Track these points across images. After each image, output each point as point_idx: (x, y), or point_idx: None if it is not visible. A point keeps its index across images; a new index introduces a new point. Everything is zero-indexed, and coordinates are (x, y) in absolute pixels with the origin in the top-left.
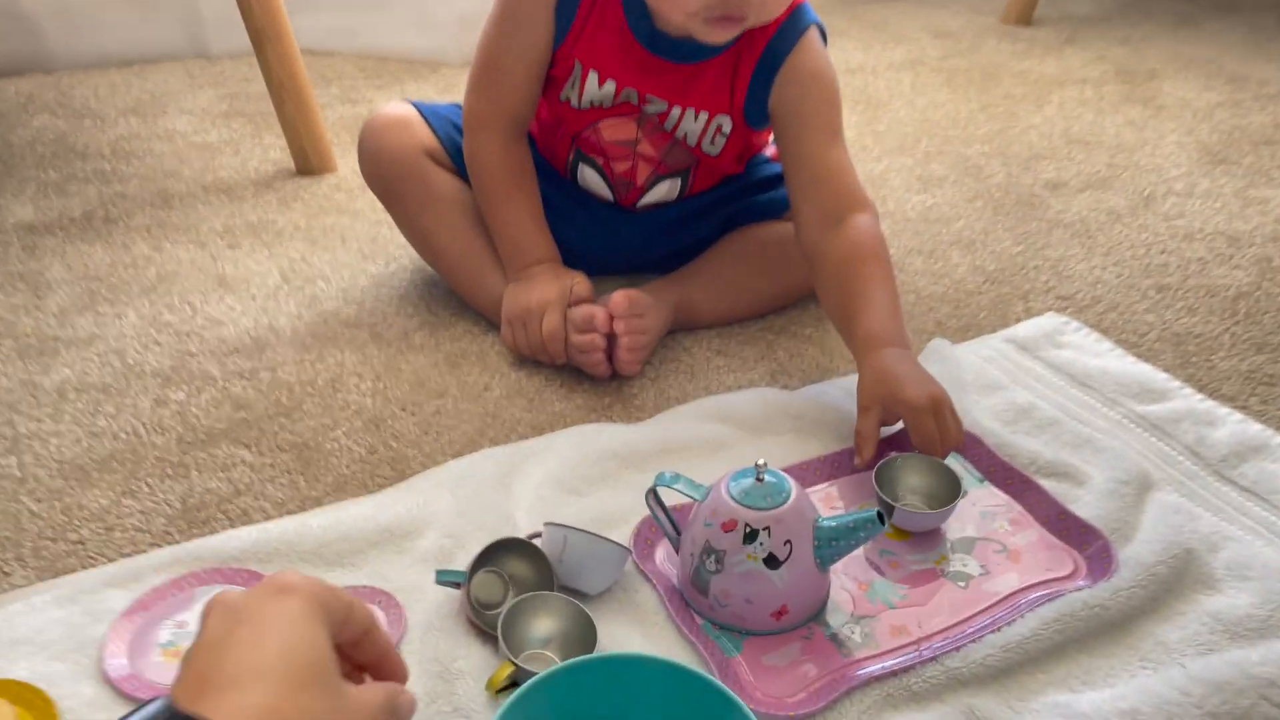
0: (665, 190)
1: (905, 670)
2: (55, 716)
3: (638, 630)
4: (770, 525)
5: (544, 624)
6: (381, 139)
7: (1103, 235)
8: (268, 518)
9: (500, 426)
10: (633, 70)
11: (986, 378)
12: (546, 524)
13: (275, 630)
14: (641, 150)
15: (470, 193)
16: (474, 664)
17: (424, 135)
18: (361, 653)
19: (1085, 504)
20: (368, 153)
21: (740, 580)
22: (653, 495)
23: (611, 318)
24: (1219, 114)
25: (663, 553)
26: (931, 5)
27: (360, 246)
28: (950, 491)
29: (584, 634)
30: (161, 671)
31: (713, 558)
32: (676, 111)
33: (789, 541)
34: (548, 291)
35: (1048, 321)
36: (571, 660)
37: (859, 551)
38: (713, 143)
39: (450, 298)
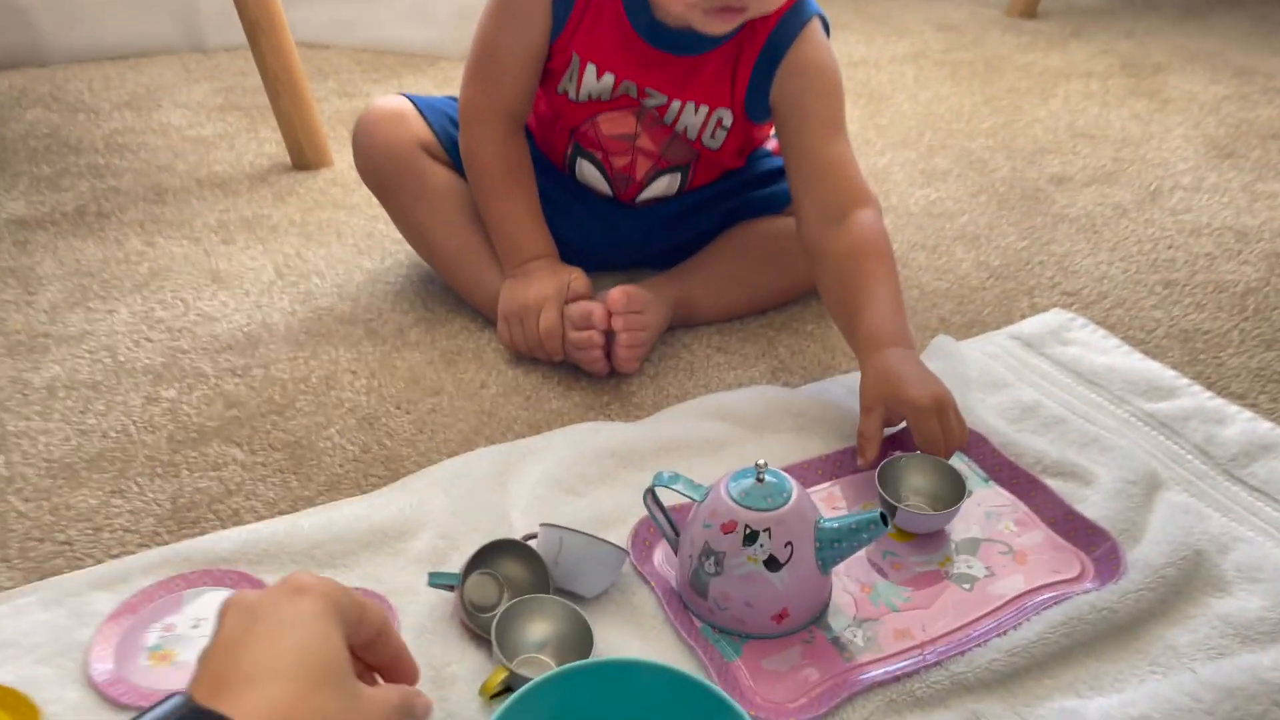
0: (665, 185)
1: (909, 675)
2: None
3: (635, 634)
4: (771, 527)
5: (539, 627)
6: (376, 133)
7: (1109, 230)
8: (259, 518)
9: (496, 425)
10: (631, 63)
11: (991, 375)
12: (542, 525)
13: (291, 630)
14: (641, 144)
15: (466, 187)
16: (467, 668)
17: (419, 129)
18: (374, 654)
19: (1092, 504)
20: (362, 147)
21: (740, 583)
22: (651, 495)
23: (610, 314)
24: (1226, 107)
25: (661, 554)
26: None
27: (356, 242)
28: (955, 492)
29: (580, 638)
30: (148, 676)
31: (712, 560)
32: (676, 105)
33: (790, 543)
34: (545, 287)
35: (1053, 318)
36: (567, 666)
37: (861, 553)
38: (713, 136)
39: (446, 294)
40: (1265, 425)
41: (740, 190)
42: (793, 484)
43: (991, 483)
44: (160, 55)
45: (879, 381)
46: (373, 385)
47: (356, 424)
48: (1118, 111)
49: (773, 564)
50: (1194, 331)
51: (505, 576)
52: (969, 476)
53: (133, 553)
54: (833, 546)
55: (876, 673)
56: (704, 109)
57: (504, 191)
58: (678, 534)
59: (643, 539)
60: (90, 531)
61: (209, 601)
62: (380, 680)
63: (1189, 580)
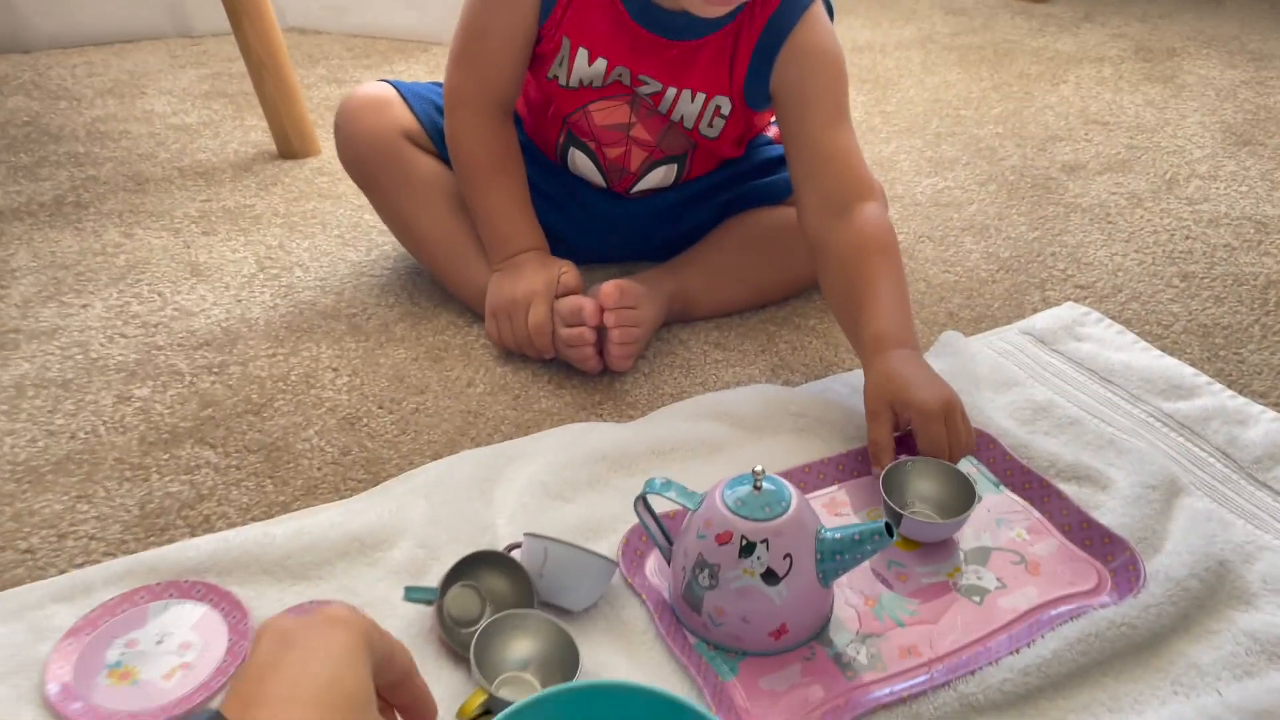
0: (661, 176)
1: (916, 696)
2: None
3: (624, 651)
4: (769, 537)
5: (522, 645)
6: (358, 121)
7: (1123, 220)
8: (231, 525)
9: (483, 425)
10: (624, 47)
11: (1002, 373)
12: (526, 534)
13: (322, 662)
14: (635, 135)
15: (453, 177)
16: (445, 690)
17: (403, 116)
18: (398, 695)
19: (1109, 511)
20: (344, 136)
21: (736, 597)
22: (642, 503)
23: (601, 309)
24: (1243, 93)
25: (653, 563)
26: None
27: (341, 233)
28: (963, 499)
29: (565, 656)
30: (108, 695)
31: (706, 572)
32: (672, 93)
33: (789, 555)
34: (534, 282)
35: (1066, 312)
36: (549, 689)
37: (865, 563)
38: (711, 125)
39: (434, 287)
40: None
41: (739, 180)
42: (792, 492)
43: (1002, 487)
44: (146, 41)
45: (884, 385)
46: (355, 383)
47: (336, 424)
48: (1131, 97)
49: (771, 577)
50: (1213, 326)
51: (487, 589)
52: (978, 481)
53: (97, 562)
54: (834, 559)
55: (881, 693)
56: (701, 97)
57: (491, 181)
58: (671, 543)
59: (634, 548)
60: (54, 539)
61: (175, 615)
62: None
63: (1212, 593)
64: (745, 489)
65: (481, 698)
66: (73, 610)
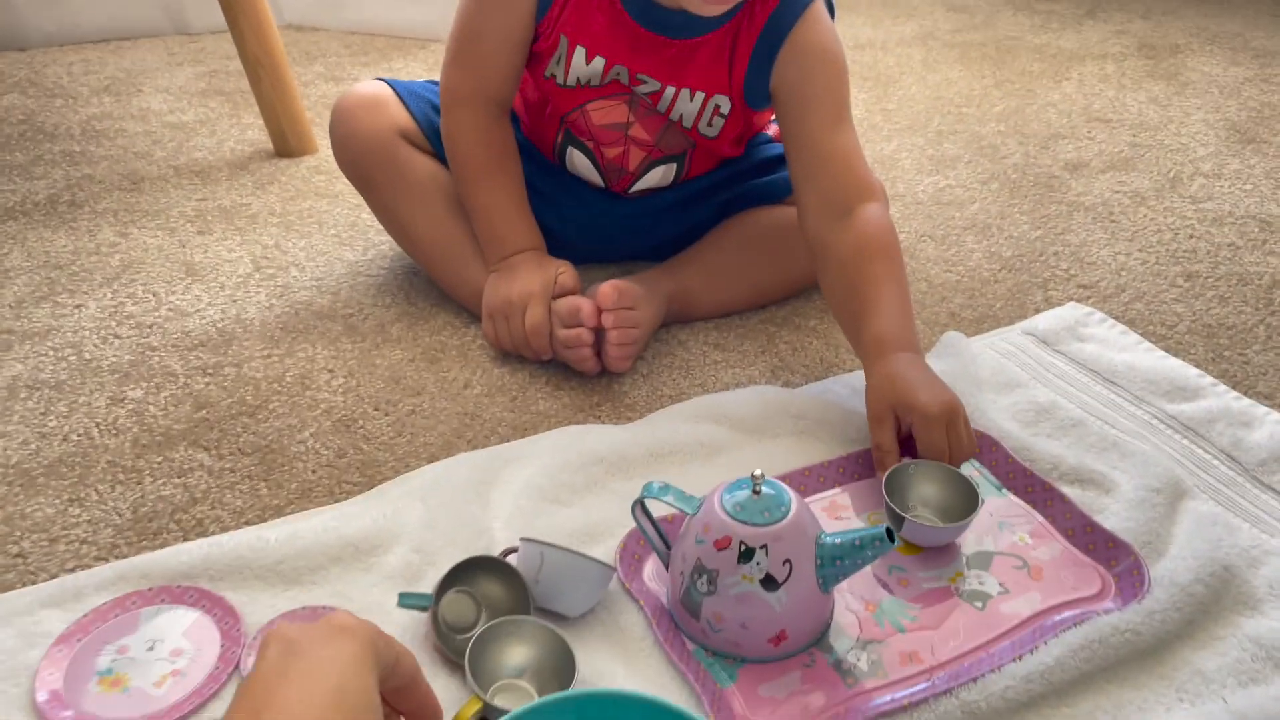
0: (659, 175)
1: (917, 703)
2: None
3: (621, 657)
4: (768, 543)
5: (518, 652)
6: (353, 121)
7: (1126, 219)
8: (224, 529)
9: (480, 427)
10: (622, 46)
11: (1004, 374)
12: (522, 540)
13: (327, 672)
14: (634, 134)
15: (449, 177)
16: (440, 698)
17: (399, 115)
18: (403, 700)
19: (1113, 514)
20: (339, 136)
21: (735, 603)
22: (640, 508)
23: (599, 310)
24: (1247, 90)
25: (651, 568)
26: None
27: (338, 232)
28: (966, 503)
29: (562, 663)
30: (98, 703)
31: (705, 578)
32: (670, 92)
33: (788, 561)
34: (530, 282)
35: (1069, 312)
36: (545, 698)
37: (866, 568)
38: (710, 124)
39: (431, 287)
40: None
41: (739, 179)
42: (791, 496)
43: (1005, 491)
44: (143, 39)
45: (886, 388)
46: (350, 385)
47: (332, 426)
48: (1134, 95)
49: (770, 583)
50: (1218, 326)
51: (483, 595)
52: (980, 484)
53: (89, 566)
54: (835, 564)
55: (882, 700)
56: (700, 96)
57: (487, 180)
58: (669, 548)
59: (632, 553)
60: (45, 543)
61: (166, 621)
62: None
63: (1218, 598)
64: (744, 493)
65: (476, 706)
66: (63, 616)
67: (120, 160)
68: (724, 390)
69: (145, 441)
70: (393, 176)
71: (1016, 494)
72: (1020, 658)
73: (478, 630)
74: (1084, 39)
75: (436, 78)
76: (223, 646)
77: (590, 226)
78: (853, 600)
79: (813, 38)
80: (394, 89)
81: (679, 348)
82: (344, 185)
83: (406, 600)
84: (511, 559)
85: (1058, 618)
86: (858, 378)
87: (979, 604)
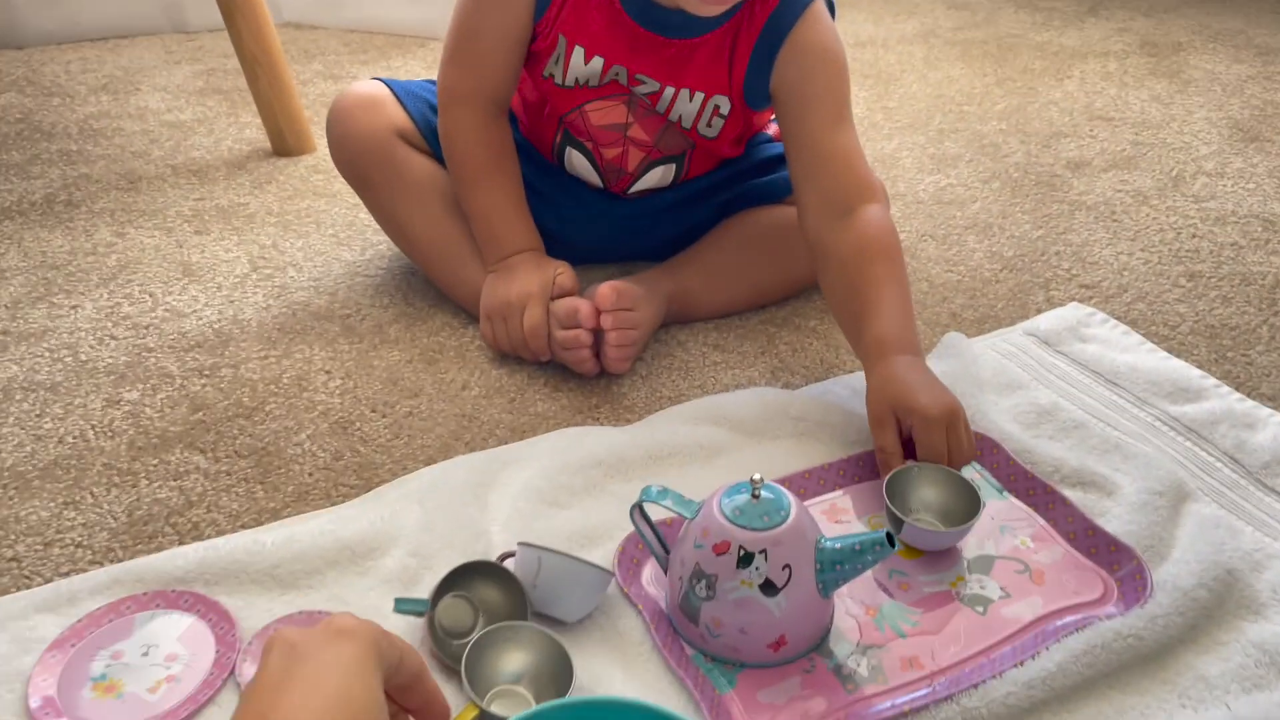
0: (659, 176)
1: (917, 710)
2: None
3: (619, 662)
4: (767, 548)
5: (515, 658)
6: (349, 121)
7: (1129, 218)
8: (220, 532)
9: (478, 429)
10: (621, 46)
11: (1005, 375)
12: (520, 544)
13: (331, 675)
14: (633, 135)
15: (447, 177)
16: None
17: (396, 115)
18: (409, 697)
19: (1115, 518)
20: (335, 137)
21: (734, 608)
22: (638, 511)
23: (598, 311)
24: (1250, 88)
25: (650, 572)
26: None
27: (336, 232)
28: (968, 507)
29: (559, 669)
30: (92, 709)
31: (703, 583)
32: (670, 92)
33: (788, 565)
34: (528, 283)
35: (1071, 312)
36: (542, 705)
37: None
38: (709, 125)
39: (429, 288)
40: None
41: (739, 179)
42: (791, 500)
43: (1006, 493)
44: (141, 37)
45: (886, 390)
46: (347, 386)
47: (329, 428)
48: (1137, 93)
49: (769, 588)
50: (1221, 327)
51: (480, 600)
52: (982, 487)
53: (84, 570)
54: (834, 569)
55: (882, 706)
56: (699, 96)
57: (485, 180)
58: (668, 552)
59: (630, 556)
60: (40, 546)
61: (161, 626)
62: None
63: (1221, 603)
64: (743, 497)
65: (473, 713)
66: (58, 621)
67: (117, 159)
68: (723, 391)
69: (141, 444)
70: (390, 176)
71: (1018, 497)
72: (1022, 663)
73: (474, 636)
74: (1086, 36)
75: (435, 76)
76: (218, 652)
77: (589, 227)
78: (853, 605)
79: (813, 37)
80: (391, 89)
81: (678, 348)
82: (342, 185)
83: (403, 606)
84: (509, 563)
85: (1059, 623)
86: (858, 379)
87: (980, 608)
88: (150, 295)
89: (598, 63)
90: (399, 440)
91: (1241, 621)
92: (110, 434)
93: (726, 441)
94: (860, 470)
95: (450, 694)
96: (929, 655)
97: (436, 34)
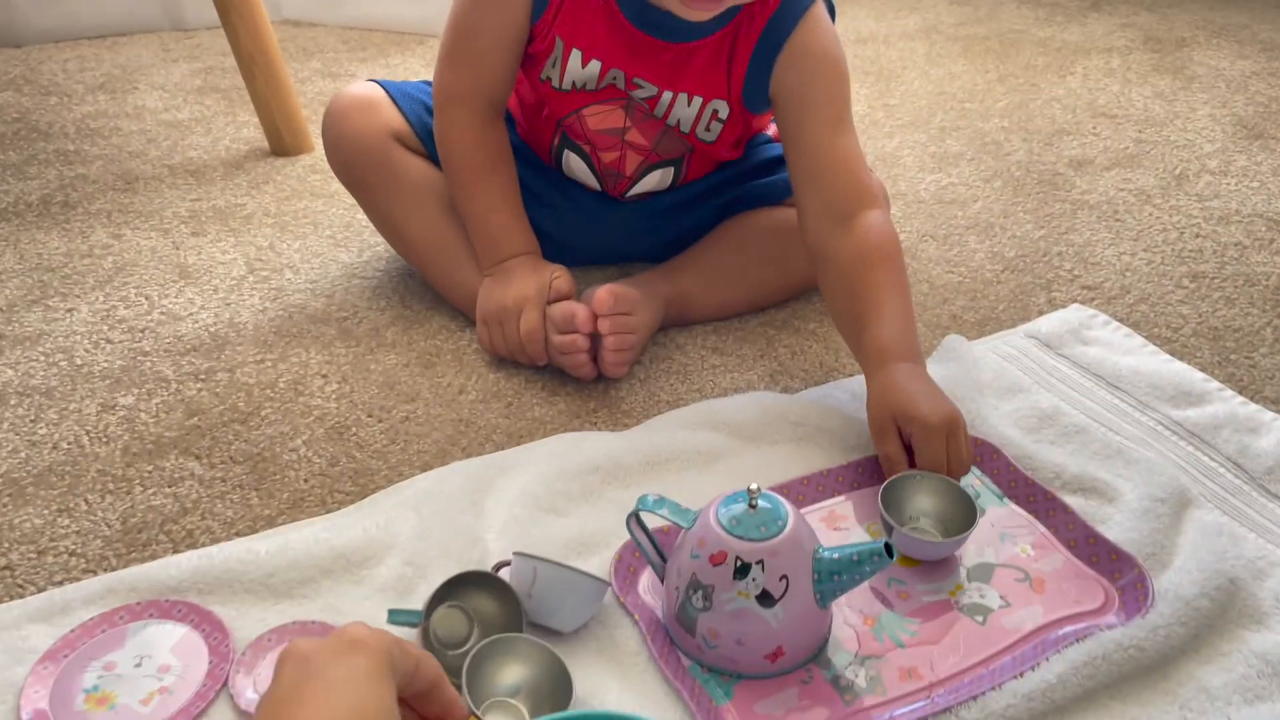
0: (657, 180)
1: None
2: None
3: (616, 673)
4: (764, 558)
5: (512, 670)
6: (345, 123)
7: (1131, 218)
8: (215, 539)
9: (475, 434)
10: (619, 49)
11: (1006, 379)
12: (515, 554)
13: (343, 690)
14: (631, 139)
15: (443, 179)
16: None
17: (391, 118)
18: (427, 705)
19: (1116, 525)
20: (331, 139)
21: (730, 619)
22: (635, 520)
23: (595, 316)
24: (1254, 84)
25: (647, 580)
26: None
27: (333, 233)
28: (966, 516)
29: (557, 682)
30: None
31: (700, 593)
32: (667, 96)
33: (785, 576)
34: (525, 287)
35: (1073, 314)
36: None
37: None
38: (708, 129)
39: (426, 290)
40: None
41: (738, 181)
42: (788, 510)
43: (1006, 500)
44: (139, 35)
45: (887, 398)
46: (344, 390)
47: (325, 434)
48: (1140, 89)
49: (766, 599)
50: (1224, 329)
51: (474, 610)
52: (982, 494)
53: (77, 579)
54: (832, 579)
55: (881, 718)
56: (697, 100)
57: (481, 183)
58: (665, 560)
59: (627, 564)
60: (33, 555)
61: (154, 637)
62: None
63: (1223, 612)
64: (740, 507)
65: None
66: (50, 631)
67: (114, 160)
68: (722, 396)
69: (136, 450)
70: (386, 179)
71: (1018, 503)
72: (1022, 674)
73: (469, 646)
74: (1088, 32)
75: (430, 74)
76: (210, 663)
77: (586, 230)
78: (851, 614)
79: (813, 41)
80: (386, 90)
81: (677, 352)
82: (339, 185)
83: (396, 617)
84: (504, 573)
85: (1060, 633)
86: (858, 383)
87: (980, 618)
88: (146, 298)
89: (595, 66)
90: (395, 445)
91: (1244, 631)
92: (105, 440)
93: (725, 447)
94: (860, 476)
95: None
96: (928, 666)
97: (435, 31)
